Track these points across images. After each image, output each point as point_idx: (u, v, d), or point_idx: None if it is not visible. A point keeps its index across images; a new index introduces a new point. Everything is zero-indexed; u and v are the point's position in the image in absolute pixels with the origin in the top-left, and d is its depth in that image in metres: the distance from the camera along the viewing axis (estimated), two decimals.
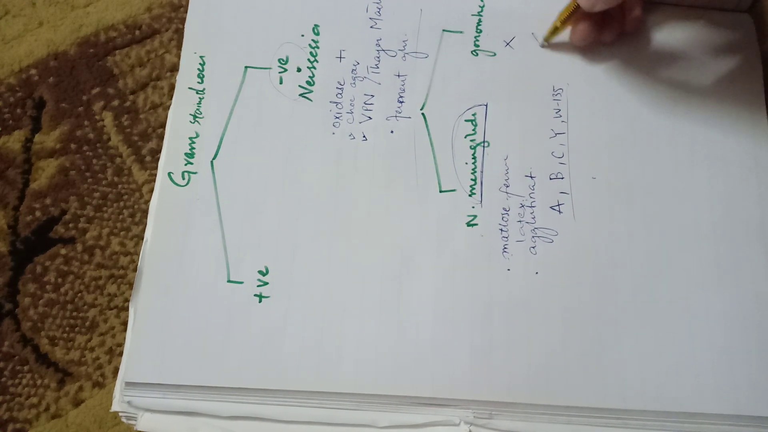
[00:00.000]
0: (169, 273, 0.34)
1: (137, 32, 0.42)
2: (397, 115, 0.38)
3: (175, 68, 0.41)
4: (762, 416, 0.33)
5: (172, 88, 0.39)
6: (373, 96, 0.38)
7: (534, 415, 0.33)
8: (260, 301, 0.34)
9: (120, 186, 0.39)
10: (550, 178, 0.37)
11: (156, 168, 0.38)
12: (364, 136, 0.37)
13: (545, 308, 0.34)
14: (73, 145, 0.40)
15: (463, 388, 0.33)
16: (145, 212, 0.38)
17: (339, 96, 0.38)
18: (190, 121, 0.37)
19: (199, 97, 0.38)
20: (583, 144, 0.37)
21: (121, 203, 0.39)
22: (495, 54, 0.39)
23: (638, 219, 0.36)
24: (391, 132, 0.37)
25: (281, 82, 0.38)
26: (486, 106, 0.38)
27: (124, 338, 0.34)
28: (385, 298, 0.34)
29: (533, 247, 0.35)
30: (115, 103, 0.41)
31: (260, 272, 0.35)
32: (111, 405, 0.33)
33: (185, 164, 0.36)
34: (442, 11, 0.40)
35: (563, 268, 0.35)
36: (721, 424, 0.33)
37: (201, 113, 0.37)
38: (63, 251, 0.38)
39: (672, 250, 0.36)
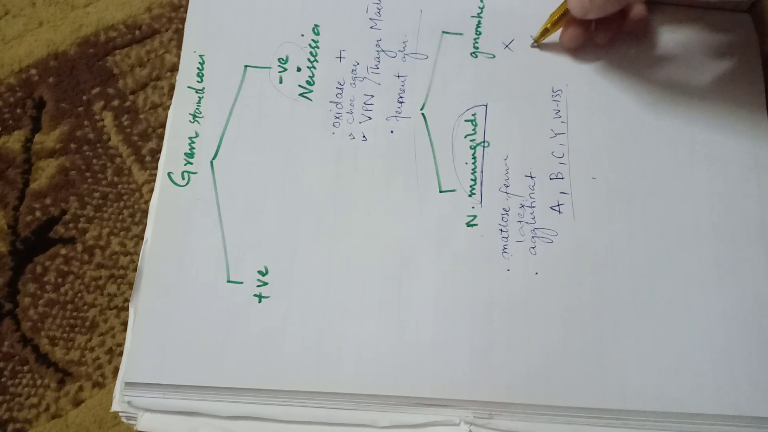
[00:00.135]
0: (169, 273, 0.34)
1: (137, 32, 0.42)
2: (397, 115, 0.38)
3: (175, 68, 0.41)
4: (762, 416, 0.33)
5: (172, 88, 0.39)
6: (373, 96, 0.38)
7: (534, 415, 0.33)
8: (260, 302, 0.34)
9: (120, 186, 0.39)
10: (550, 178, 0.37)
11: (156, 168, 0.38)
12: (364, 136, 0.37)
13: (545, 308, 0.34)
14: (73, 145, 0.40)
15: (463, 388, 0.33)
16: (145, 212, 0.38)
17: (339, 96, 0.38)
18: (190, 121, 0.37)
19: (199, 97, 0.38)
20: (583, 144, 0.37)
21: (121, 203, 0.39)
22: (494, 56, 0.39)
23: (638, 219, 0.36)
24: (391, 132, 0.37)
25: (281, 82, 0.38)
26: (486, 106, 0.38)
27: (124, 338, 0.34)
28: (385, 298, 0.34)
29: (533, 248, 0.35)
30: (115, 103, 0.41)
31: (260, 272, 0.35)
32: (111, 405, 0.33)
33: (185, 164, 0.36)
34: (442, 12, 0.40)
35: (563, 268, 0.35)
36: (721, 425, 0.33)
37: (201, 113, 0.37)
38: (63, 251, 0.38)
39: (672, 250, 0.36)
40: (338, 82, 0.38)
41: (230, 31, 0.39)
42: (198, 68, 0.38)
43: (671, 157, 0.37)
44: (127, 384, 0.33)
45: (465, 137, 0.37)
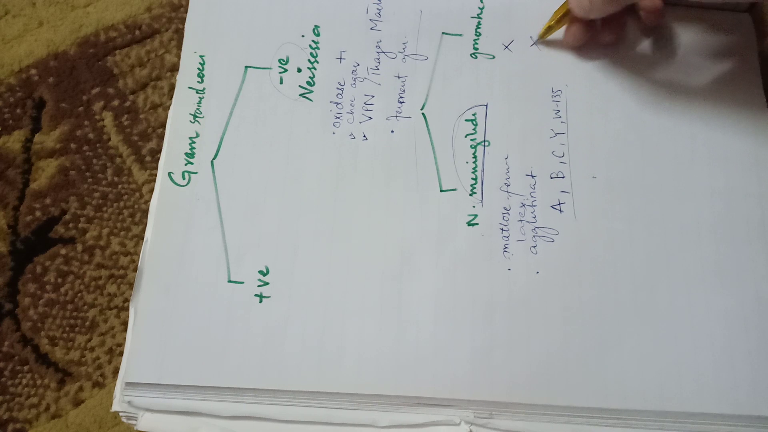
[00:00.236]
0: (169, 273, 0.34)
1: (137, 32, 0.42)
2: (398, 115, 0.38)
3: (175, 68, 0.41)
4: (762, 416, 0.33)
5: (172, 88, 0.39)
6: (373, 96, 0.38)
7: (534, 415, 0.33)
8: (261, 301, 0.34)
9: (120, 186, 0.39)
10: (551, 178, 0.37)
11: (156, 168, 0.38)
12: (364, 136, 0.37)
13: (546, 308, 0.34)
14: (73, 145, 0.40)
15: (463, 388, 0.33)
16: (145, 212, 0.38)
17: (339, 96, 0.38)
18: (190, 121, 0.37)
19: (199, 97, 0.38)
20: (584, 143, 0.37)
21: (121, 203, 0.39)
22: (494, 57, 0.39)
23: (639, 218, 0.36)
24: (392, 132, 0.37)
25: (281, 82, 0.38)
26: (486, 106, 0.38)
27: (124, 338, 0.34)
28: (385, 297, 0.34)
29: (534, 247, 0.35)
30: (115, 103, 0.41)
31: (261, 272, 0.35)
32: (111, 405, 0.33)
33: (185, 164, 0.36)
34: (442, 13, 0.40)
35: (564, 267, 0.35)
36: (721, 424, 0.33)
37: (201, 113, 0.37)
38: (63, 251, 0.38)
39: (672, 249, 0.36)
40: (338, 82, 0.38)
41: (230, 32, 0.39)
42: (198, 68, 0.38)
43: (672, 156, 0.37)
44: (128, 384, 0.33)
45: (465, 137, 0.37)
